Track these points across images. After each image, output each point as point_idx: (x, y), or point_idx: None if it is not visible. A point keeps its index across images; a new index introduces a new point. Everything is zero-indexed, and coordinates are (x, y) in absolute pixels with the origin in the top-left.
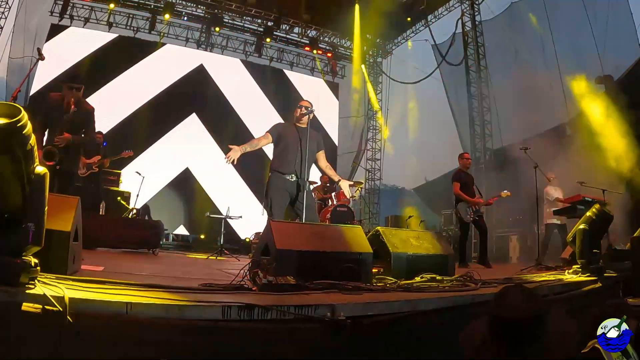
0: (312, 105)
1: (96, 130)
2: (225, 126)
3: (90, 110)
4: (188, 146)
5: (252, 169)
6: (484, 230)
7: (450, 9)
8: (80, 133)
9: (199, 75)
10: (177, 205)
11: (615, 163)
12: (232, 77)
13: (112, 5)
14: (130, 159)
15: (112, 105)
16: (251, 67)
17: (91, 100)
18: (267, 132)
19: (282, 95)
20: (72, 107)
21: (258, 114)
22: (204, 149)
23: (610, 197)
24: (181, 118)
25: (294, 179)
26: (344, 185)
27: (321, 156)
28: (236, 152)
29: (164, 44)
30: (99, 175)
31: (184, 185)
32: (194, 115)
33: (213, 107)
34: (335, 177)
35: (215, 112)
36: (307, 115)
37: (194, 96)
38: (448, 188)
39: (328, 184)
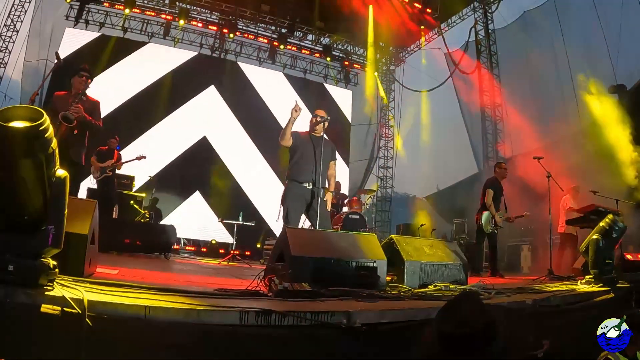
0: (326, 115)
1: (112, 137)
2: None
3: (97, 102)
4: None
5: (265, 176)
6: (495, 244)
7: (464, 17)
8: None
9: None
10: (189, 209)
11: (629, 172)
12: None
13: (127, 11)
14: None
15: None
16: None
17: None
18: (290, 137)
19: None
20: (83, 94)
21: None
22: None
23: (624, 206)
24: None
25: (310, 186)
26: (328, 197)
27: (332, 165)
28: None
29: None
30: (113, 178)
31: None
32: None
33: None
34: (330, 187)
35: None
36: (322, 124)
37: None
38: (460, 196)
39: (340, 192)
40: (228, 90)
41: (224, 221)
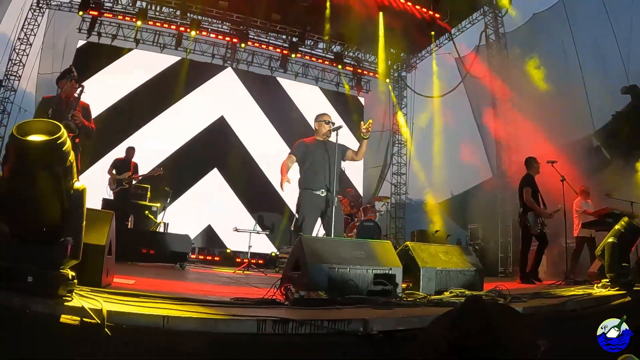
0: (331, 118)
1: (129, 146)
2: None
3: (87, 106)
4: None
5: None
6: (546, 243)
7: (474, 21)
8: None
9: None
10: (203, 217)
11: None
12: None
13: (139, 23)
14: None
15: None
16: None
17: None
18: (290, 154)
19: (309, 108)
20: (76, 99)
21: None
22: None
23: (639, 209)
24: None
25: (324, 193)
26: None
27: (350, 153)
28: (283, 182)
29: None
30: (129, 190)
31: (212, 196)
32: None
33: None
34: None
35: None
36: (336, 131)
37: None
38: (474, 202)
39: (354, 199)
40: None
41: (239, 230)
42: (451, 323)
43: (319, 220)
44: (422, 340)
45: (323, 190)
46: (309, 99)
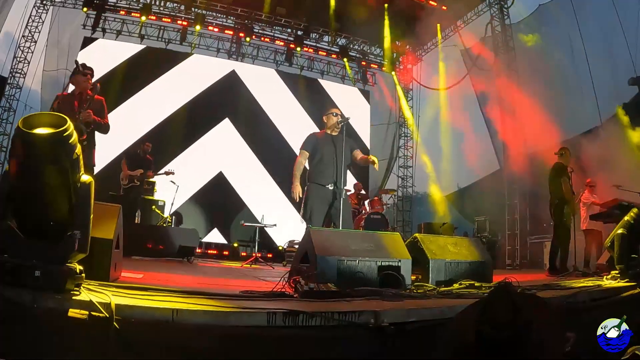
0: (340, 111)
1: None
2: (259, 131)
3: (102, 100)
4: (221, 152)
5: (287, 178)
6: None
7: (480, 13)
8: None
9: (231, 81)
10: (210, 212)
11: None
12: (263, 83)
13: (143, 18)
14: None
15: (143, 113)
16: (283, 75)
17: (122, 109)
18: (302, 149)
19: (315, 103)
20: (89, 93)
21: (290, 119)
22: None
23: None
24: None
25: (332, 187)
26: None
27: (358, 153)
28: (296, 190)
29: (189, 54)
30: (140, 187)
31: (218, 191)
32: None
33: (246, 112)
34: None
35: (248, 117)
36: (342, 124)
37: (226, 102)
38: (481, 194)
39: (362, 192)
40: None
41: (246, 224)
42: (480, 312)
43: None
44: (450, 329)
45: (331, 184)
46: (312, 92)
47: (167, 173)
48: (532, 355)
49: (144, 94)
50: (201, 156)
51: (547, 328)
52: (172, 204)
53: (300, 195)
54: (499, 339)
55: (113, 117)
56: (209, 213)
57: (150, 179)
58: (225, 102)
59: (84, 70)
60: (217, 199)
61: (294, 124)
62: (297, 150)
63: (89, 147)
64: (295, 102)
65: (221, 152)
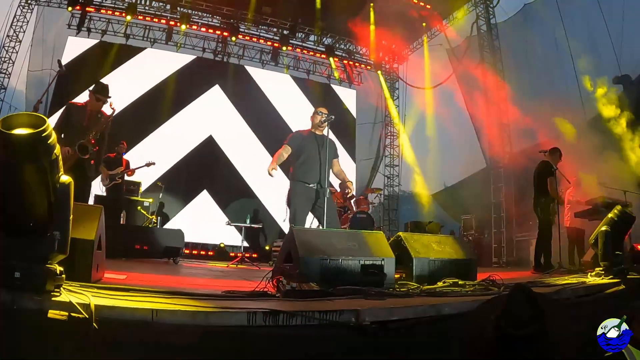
0: (328, 112)
1: (121, 141)
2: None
3: (110, 118)
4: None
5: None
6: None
7: (465, 12)
8: (100, 140)
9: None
10: (196, 211)
11: (636, 163)
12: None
13: (128, 17)
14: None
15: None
16: (267, 76)
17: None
18: (286, 144)
19: (298, 103)
20: (98, 113)
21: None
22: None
23: (632, 198)
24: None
25: (316, 186)
26: (350, 185)
27: (336, 163)
28: (270, 168)
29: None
30: (121, 185)
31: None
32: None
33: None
34: (346, 179)
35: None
36: (327, 122)
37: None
38: (467, 192)
39: (347, 191)
40: (233, 91)
41: (232, 224)
42: (499, 309)
43: (313, 212)
44: (468, 325)
45: (315, 183)
46: (296, 90)
47: (147, 165)
48: (549, 352)
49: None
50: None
51: (563, 327)
52: (158, 204)
53: (272, 174)
54: (519, 336)
55: None
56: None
57: (132, 176)
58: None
59: (103, 97)
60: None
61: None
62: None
63: (97, 162)
64: (284, 101)
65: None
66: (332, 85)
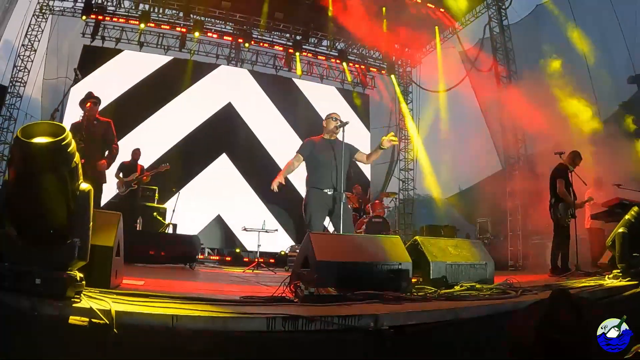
0: (340, 116)
1: (134, 148)
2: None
3: (109, 122)
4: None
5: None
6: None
7: (477, 15)
8: (101, 142)
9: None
10: (212, 217)
11: None
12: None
13: (142, 25)
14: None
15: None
16: (277, 80)
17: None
18: (297, 153)
19: (313, 108)
20: (94, 120)
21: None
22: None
23: None
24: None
25: (331, 192)
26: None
27: (360, 155)
28: (276, 182)
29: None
30: (137, 191)
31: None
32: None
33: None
34: (376, 151)
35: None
36: (342, 127)
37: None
38: (482, 196)
39: (361, 195)
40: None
41: (247, 229)
42: (542, 315)
43: (327, 218)
44: (509, 329)
45: (330, 189)
46: (315, 97)
47: (161, 169)
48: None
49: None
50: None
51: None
52: (174, 211)
53: (277, 188)
54: (563, 342)
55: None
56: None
57: (147, 181)
58: (223, 136)
59: (88, 100)
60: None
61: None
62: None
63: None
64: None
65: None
66: (346, 90)
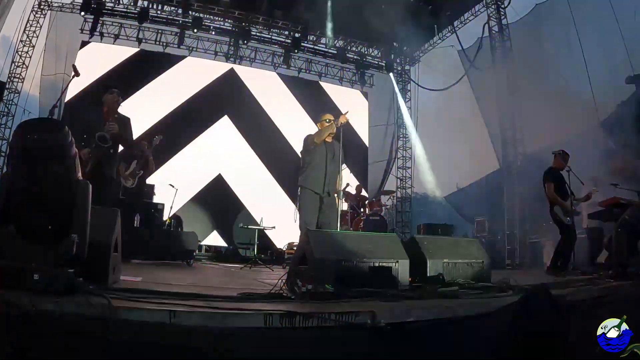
0: (335, 117)
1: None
2: (258, 130)
3: (128, 119)
4: (220, 151)
5: (288, 177)
6: (575, 236)
7: (476, 13)
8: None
9: (230, 80)
10: (209, 214)
11: None
12: (262, 82)
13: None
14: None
15: (140, 113)
16: (282, 76)
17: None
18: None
19: (314, 104)
20: (114, 114)
21: (290, 120)
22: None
23: None
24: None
25: (322, 194)
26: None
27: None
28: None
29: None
30: (137, 188)
31: (216, 193)
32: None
33: (245, 110)
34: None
35: (248, 115)
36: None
37: (225, 99)
38: (480, 194)
39: (360, 194)
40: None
41: (245, 226)
42: (519, 310)
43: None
44: (487, 326)
45: (322, 190)
46: (311, 94)
47: (156, 140)
48: (570, 352)
49: (140, 95)
50: (200, 157)
51: (583, 329)
52: (171, 207)
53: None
54: (538, 332)
55: None
56: (209, 216)
57: (147, 179)
58: (224, 99)
59: (107, 93)
60: (217, 202)
61: (295, 124)
62: (297, 149)
63: (113, 162)
64: (295, 103)
65: (220, 152)
66: (344, 88)
